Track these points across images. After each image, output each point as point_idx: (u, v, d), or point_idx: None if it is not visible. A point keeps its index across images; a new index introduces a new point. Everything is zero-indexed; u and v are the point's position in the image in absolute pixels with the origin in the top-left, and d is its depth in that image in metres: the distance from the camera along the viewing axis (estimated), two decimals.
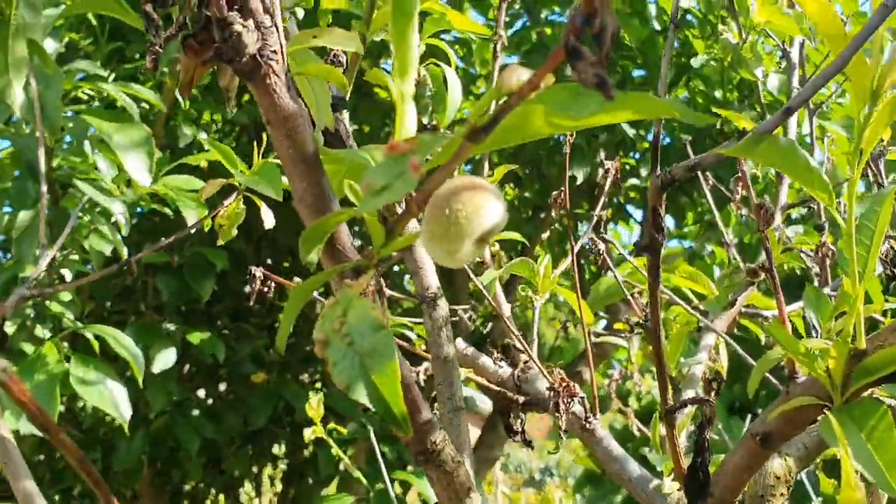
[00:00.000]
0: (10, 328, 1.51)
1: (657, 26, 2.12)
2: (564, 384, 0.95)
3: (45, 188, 1.01)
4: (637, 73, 2.55)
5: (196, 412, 2.38)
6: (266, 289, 1.11)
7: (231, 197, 1.14)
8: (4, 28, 1.01)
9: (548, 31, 2.40)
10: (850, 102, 1.38)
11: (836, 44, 0.54)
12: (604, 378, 2.71)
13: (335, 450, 2.11)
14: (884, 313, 0.99)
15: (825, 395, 0.62)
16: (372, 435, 1.80)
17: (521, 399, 1.02)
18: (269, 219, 1.15)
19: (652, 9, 2.11)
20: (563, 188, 0.97)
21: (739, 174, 0.97)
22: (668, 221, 3.15)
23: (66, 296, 1.70)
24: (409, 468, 2.54)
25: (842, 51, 0.53)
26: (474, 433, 3.34)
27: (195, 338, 2.12)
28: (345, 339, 0.42)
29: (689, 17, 2.23)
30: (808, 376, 0.66)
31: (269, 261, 2.72)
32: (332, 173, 0.52)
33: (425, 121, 1.32)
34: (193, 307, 2.45)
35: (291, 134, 0.48)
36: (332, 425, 2.14)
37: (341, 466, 2.78)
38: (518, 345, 1.06)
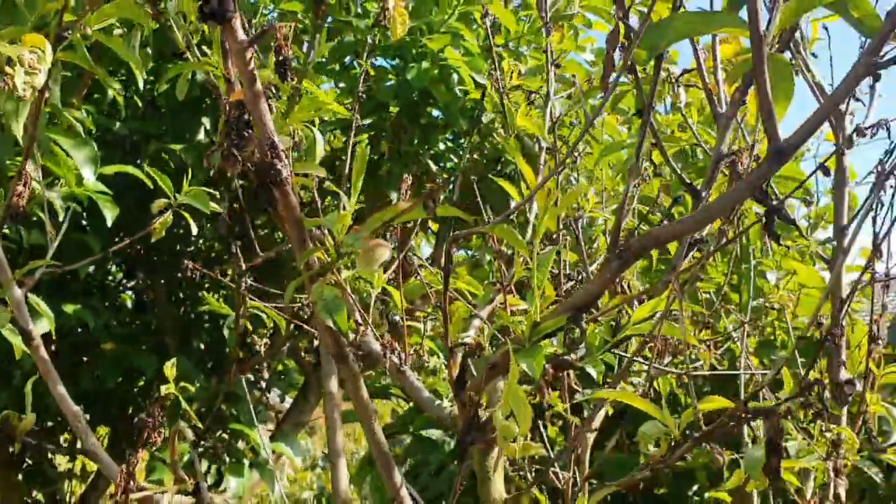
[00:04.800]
0: None
1: (458, 92, 2.83)
2: (390, 344, 1.58)
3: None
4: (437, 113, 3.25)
5: None
6: (192, 275, 1.66)
7: (167, 210, 1.67)
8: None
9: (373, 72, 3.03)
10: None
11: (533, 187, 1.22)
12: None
13: (184, 405, 2.61)
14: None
15: (523, 343, 1.30)
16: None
17: (360, 353, 1.64)
18: (194, 228, 1.69)
19: (455, 77, 2.81)
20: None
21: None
22: None
23: None
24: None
25: (534, 186, 1.20)
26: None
27: (69, 308, 2.55)
28: (323, 300, 1.03)
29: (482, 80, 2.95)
30: (517, 335, 1.33)
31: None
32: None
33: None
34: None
35: (294, 212, 1.08)
36: (182, 384, 2.64)
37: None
38: (359, 318, 1.68)
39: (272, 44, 1.14)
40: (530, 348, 1.24)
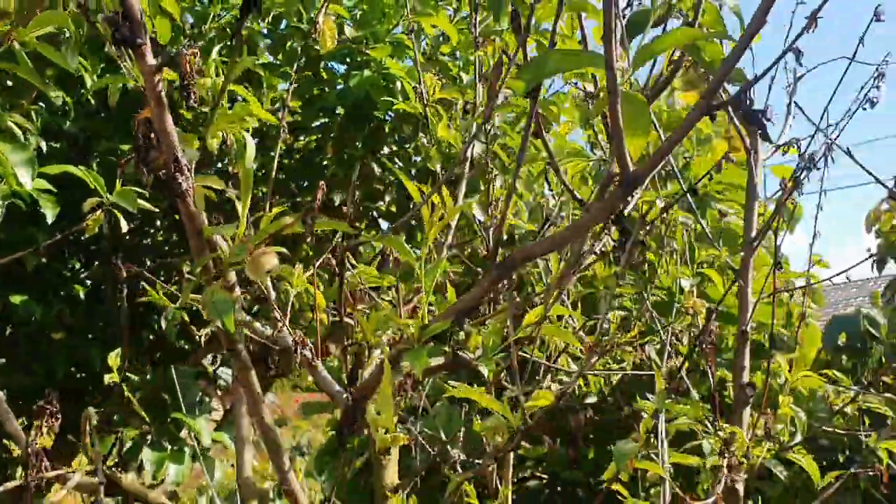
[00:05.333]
0: None
1: (401, 98, 2.94)
2: (302, 339, 1.70)
3: None
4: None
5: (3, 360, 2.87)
6: (124, 272, 1.77)
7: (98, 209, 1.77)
8: None
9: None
10: None
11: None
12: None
13: (128, 393, 2.72)
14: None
15: (413, 344, 1.42)
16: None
17: (278, 347, 1.75)
18: (124, 226, 1.80)
19: (399, 84, 2.92)
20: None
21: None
22: None
23: None
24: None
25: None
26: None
27: (17, 299, 2.64)
28: (213, 302, 1.14)
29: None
30: (410, 337, 1.45)
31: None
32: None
33: (231, 169, 2.03)
34: None
35: (194, 222, 1.19)
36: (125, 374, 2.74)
37: None
38: (278, 316, 1.79)
39: (182, 66, 1.26)
40: (418, 349, 1.36)
